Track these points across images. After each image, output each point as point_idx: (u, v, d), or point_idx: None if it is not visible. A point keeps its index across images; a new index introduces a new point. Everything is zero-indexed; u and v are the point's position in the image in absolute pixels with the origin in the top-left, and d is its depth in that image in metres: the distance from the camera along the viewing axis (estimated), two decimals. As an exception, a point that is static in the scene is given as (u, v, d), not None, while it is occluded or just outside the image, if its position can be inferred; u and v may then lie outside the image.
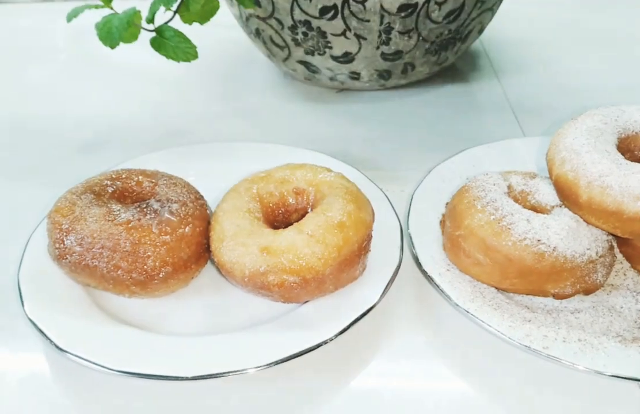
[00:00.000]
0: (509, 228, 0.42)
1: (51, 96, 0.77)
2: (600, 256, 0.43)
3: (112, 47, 0.54)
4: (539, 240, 0.42)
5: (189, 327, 0.44)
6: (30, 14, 1.00)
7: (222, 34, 0.82)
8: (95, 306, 0.44)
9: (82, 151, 0.65)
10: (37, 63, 0.85)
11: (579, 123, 0.46)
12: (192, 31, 0.57)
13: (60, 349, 0.40)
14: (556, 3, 0.98)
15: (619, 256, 0.48)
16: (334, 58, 0.67)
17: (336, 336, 0.41)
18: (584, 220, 0.43)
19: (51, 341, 0.41)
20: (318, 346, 0.40)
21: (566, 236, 0.42)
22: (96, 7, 0.57)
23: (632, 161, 0.44)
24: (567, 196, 0.43)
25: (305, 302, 0.44)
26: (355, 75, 0.70)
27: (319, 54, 0.67)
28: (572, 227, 0.43)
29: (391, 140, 0.66)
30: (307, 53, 0.68)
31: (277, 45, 0.69)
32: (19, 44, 0.90)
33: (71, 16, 0.57)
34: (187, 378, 0.39)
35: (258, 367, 0.39)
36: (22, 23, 0.97)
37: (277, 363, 0.40)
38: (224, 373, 0.39)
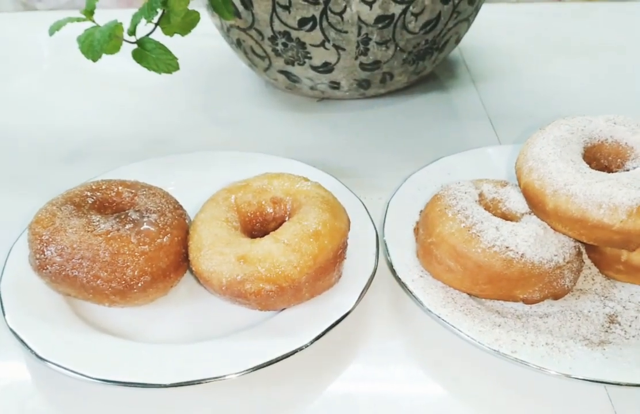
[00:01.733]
0: (479, 236, 0.44)
1: (33, 106, 0.77)
2: (567, 262, 0.45)
3: (94, 60, 0.55)
4: (507, 247, 0.43)
5: (169, 335, 0.45)
6: (12, 23, 1.01)
7: (204, 44, 0.83)
8: (75, 315, 0.45)
9: (63, 162, 0.66)
10: (19, 73, 0.85)
11: (546, 132, 0.47)
12: (174, 40, 0.58)
13: (41, 358, 0.41)
14: (533, 13, 1.00)
15: (588, 261, 0.49)
16: (314, 68, 0.69)
17: (312, 342, 0.42)
18: (551, 227, 0.45)
19: (32, 351, 0.41)
20: (295, 352, 0.41)
21: (534, 243, 0.44)
22: (78, 19, 0.58)
23: (597, 169, 0.45)
24: (535, 204, 0.45)
25: (282, 310, 0.45)
26: (335, 85, 0.71)
27: (299, 64, 0.68)
28: (539, 234, 0.44)
29: (370, 149, 0.67)
30: (287, 63, 0.69)
31: (257, 55, 0.70)
32: (2, 53, 0.91)
33: (54, 29, 0.58)
34: (166, 385, 0.40)
35: (236, 373, 0.40)
36: (4, 33, 0.97)
37: (255, 369, 0.41)
38: (203, 379, 0.40)
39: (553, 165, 0.44)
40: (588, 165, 0.45)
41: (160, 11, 0.58)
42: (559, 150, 0.45)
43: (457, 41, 0.73)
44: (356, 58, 0.67)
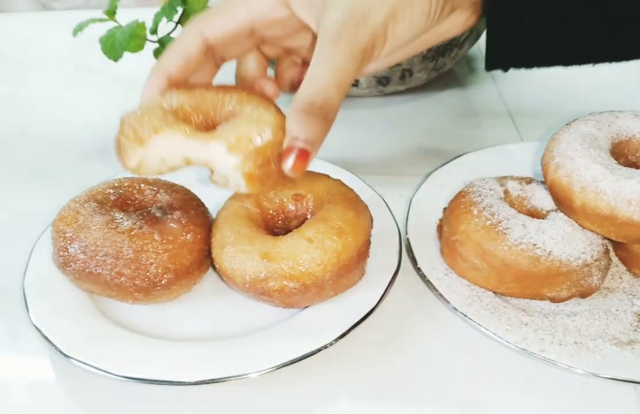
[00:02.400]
0: (505, 233, 0.43)
1: (52, 105, 0.78)
2: (595, 260, 0.44)
3: (115, 60, 0.55)
4: (534, 245, 0.43)
5: (192, 333, 0.45)
6: (30, 23, 1.01)
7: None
8: (99, 312, 0.45)
9: (85, 160, 0.66)
10: (40, 72, 0.86)
11: (573, 128, 0.47)
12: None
13: (65, 355, 0.41)
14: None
15: (615, 259, 0.49)
16: (333, 65, 0.68)
17: (336, 340, 0.42)
18: (579, 225, 0.44)
19: (56, 347, 0.41)
20: (318, 350, 0.41)
21: (561, 241, 0.43)
22: (101, 20, 0.58)
23: (625, 166, 0.44)
24: (562, 201, 0.44)
25: (305, 307, 0.45)
26: (354, 82, 0.71)
27: (318, 61, 0.68)
28: (567, 231, 0.43)
29: (389, 146, 0.67)
30: (306, 60, 0.69)
31: (276, 52, 0.70)
32: (22, 53, 0.91)
33: (77, 30, 0.58)
34: (189, 383, 0.40)
35: (260, 371, 0.40)
36: (22, 32, 0.98)
37: (278, 367, 0.40)
38: (226, 377, 0.40)
39: (581, 161, 0.43)
40: (616, 162, 0.44)
41: (180, 10, 0.58)
42: (587, 146, 0.44)
43: (477, 37, 0.73)
44: (376, 55, 0.66)
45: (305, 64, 0.47)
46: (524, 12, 0.43)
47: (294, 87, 0.50)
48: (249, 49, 0.48)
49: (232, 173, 0.40)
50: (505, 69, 0.47)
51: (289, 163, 0.39)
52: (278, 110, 0.44)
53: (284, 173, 0.42)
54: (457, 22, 0.45)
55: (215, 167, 0.41)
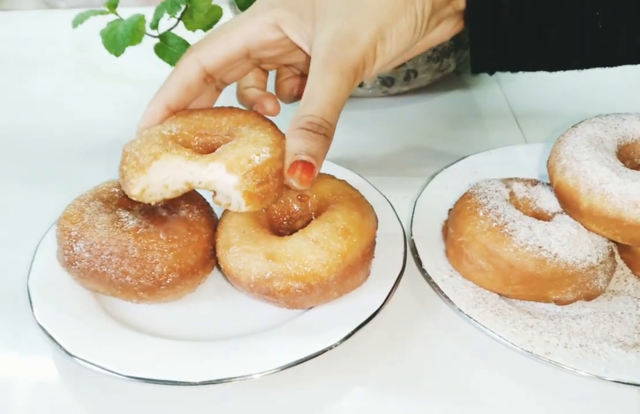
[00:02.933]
0: (511, 235, 0.43)
1: (55, 104, 0.78)
2: (601, 263, 0.44)
3: (117, 55, 0.55)
4: (540, 247, 0.42)
5: (196, 332, 0.45)
6: (34, 21, 1.01)
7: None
8: (103, 311, 0.45)
9: (89, 158, 0.66)
10: (42, 70, 0.86)
11: (579, 130, 0.47)
12: (195, 37, 0.58)
13: (70, 354, 0.41)
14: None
15: (620, 262, 0.49)
16: (337, 65, 0.68)
17: (341, 341, 0.42)
18: (585, 227, 0.44)
19: (60, 347, 0.41)
20: (323, 351, 0.41)
21: (567, 243, 0.43)
22: (102, 13, 0.58)
23: (632, 169, 0.44)
24: (568, 203, 0.44)
25: (310, 308, 0.45)
26: (358, 82, 0.71)
27: (323, 62, 0.68)
28: (573, 234, 0.43)
29: (394, 147, 0.67)
30: (310, 60, 0.69)
31: (281, 52, 0.70)
32: (26, 51, 0.91)
33: (77, 22, 0.58)
34: (194, 384, 0.40)
35: (264, 372, 0.40)
36: (26, 31, 0.98)
37: (283, 368, 0.40)
38: (231, 378, 0.40)
39: (587, 163, 0.43)
40: (622, 164, 0.44)
41: (183, 6, 0.58)
42: (593, 149, 0.44)
43: (482, 38, 0.72)
44: (380, 55, 0.66)
45: (304, 75, 0.48)
46: (503, 18, 0.45)
47: (295, 97, 0.51)
48: (248, 70, 0.50)
49: (232, 192, 0.42)
50: (491, 72, 0.49)
51: (295, 176, 0.41)
52: (275, 128, 0.46)
53: (282, 190, 0.44)
54: (445, 30, 0.47)
55: (216, 188, 0.43)
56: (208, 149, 0.46)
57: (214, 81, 0.48)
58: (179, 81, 0.46)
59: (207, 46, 0.46)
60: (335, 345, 0.41)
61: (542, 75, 0.74)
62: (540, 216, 0.47)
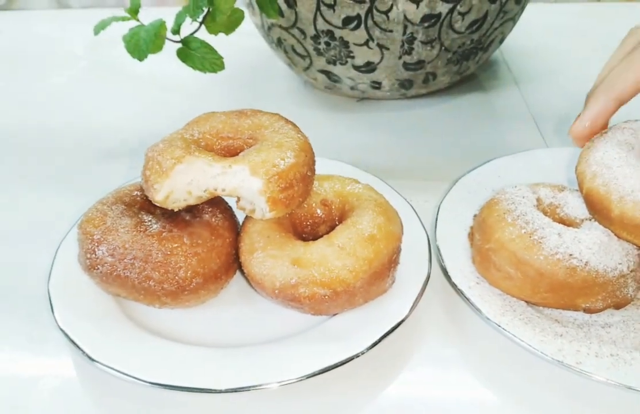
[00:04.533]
0: (541, 242, 0.42)
1: (70, 104, 0.77)
2: (631, 271, 0.43)
3: (141, 59, 0.54)
4: (570, 255, 0.42)
5: (219, 338, 0.44)
6: (47, 21, 1.01)
7: (242, 43, 0.82)
8: (124, 316, 0.45)
9: (105, 160, 0.66)
10: (57, 70, 0.85)
11: (608, 136, 0.46)
12: (217, 40, 0.57)
13: (91, 358, 0.40)
14: (574, 12, 0.98)
15: (648, 270, 0.48)
16: (356, 67, 0.67)
17: (368, 349, 0.41)
18: (616, 235, 0.43)
19: (82, 351, 0.41)
20: (350, 359, 0.40)
21: (598, 251, 0.42)
22: (123, 19, 0.57)
23: None
24: (599, 210, 0.43)
25: (335, 315, 0.44)
26: (376, 85, 0.70)
27: (341, 64, 0.67)
28: (603, 241, 0.42)
29: (412, 150, 0.66)
30: (328, 62, 0.68)
31: (298, 54, 0.69)
32: (38, 51, 0.91)
33: (99, 28, 0.57)
34: (219, 391, 0.39)
35: (289, 381, 0.39)
36: (39, 30, 0.98)
37: (308, 376, 0.40)
38: (255, 386, 0.39)
39: (619, 170, 0.42)
40: None
41: (205, 10, 0.57)
42: (624, 155, 0.43)
43: (502, 40, 0.72)
44: (400, 57, 0.66)
45: None
46: None
47: None
48: None
49: (256, 197, 0.42)
50: None
51: None
52: (299, 132, 0.45)
53: (306, 195, 0.44)
54: None
55: (240, 193, 0.43)
56: (231, 153, 0.46)
57: None
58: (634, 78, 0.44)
59: None
60: (362, 353, 0.41)
61: (560, 78, 0.73)
62: (568, 223, 0.46)
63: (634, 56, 0.45)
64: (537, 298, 0.43)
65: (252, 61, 0.85)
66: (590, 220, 0.45)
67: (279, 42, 0.70)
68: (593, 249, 0.42)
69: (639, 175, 0.42)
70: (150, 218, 0.44)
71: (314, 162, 0.45)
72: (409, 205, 0.52)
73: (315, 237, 0.44)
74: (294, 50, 0.69)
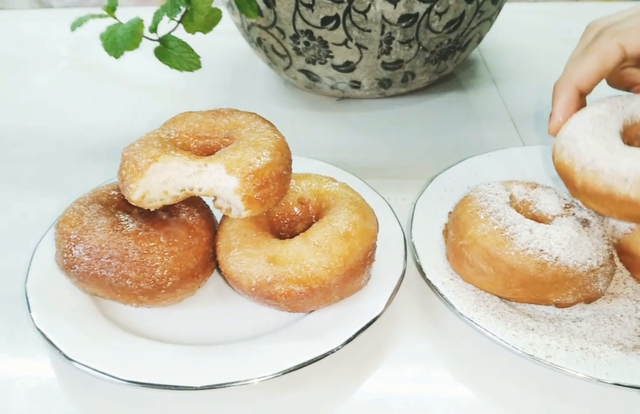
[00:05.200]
0: (512, 238, 0.43)
1: (51, 105, 0.77)
2: (601, 266, 0.44)
3: (117, 57, 0.54)
4: (541, 250, 0.43)
5: (196, 336, 0.44)
6: (28, 21, 1.00)
7: (222, 42, 0.82)
8: (102, 315, 0.45)
9: (86, 160, 0.66)
10: (36, 71, 0.85)
11: (585, 111, 0.47)
12: (195, 40, 0.58)
13: (68, 358, 0.41)
14: (551, 11, 0.99)
15: (619, 265, 0.49)
16: (335, 67, 0.68)
17: (343, 345, 0.41)
18: (584, 206, 0.44)
19: (59, 350, 0.41)
20: (325, 355, 0.41)
21: (568, 246, 0.43)
22: (100, 16, 0.57)
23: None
24: (567, 182, 0.45)
25: (311, 312, 0.45)
26: (355, 84, 0.71)
27: (320, 63, 0.68)
28: (573, 237, 0.43)
29: (391, 148, 0.67)
30: (308, 62, 0.69)
31: (278, 54, 0.70)
32: (20, 51, 0.90)
33: (75, 25, 0.57)
34: (195, 388, 0.39)
35: (265, 377, 0.40)
36: (20, 30, 0.97)
37: (284, 372, 0.40)
38: (231, 382, 0.40)
39: (582, 142, 0.43)
40: (625, 143, 0.44)
41: (183, 9, 0.58)
42: (592, 128, 0.44)
43: (479, 40, 0.73)
44: (378, 57, 0.66)
45: None
46: None
47: None
48: None
49: (232, 196, 0.42)
50: None
51: None
52: (275, 131, 0.45)
53: (283, 194, 0.44)
54: None
55: (216, 192, 0.43)
56: (208, 152, 0.46)
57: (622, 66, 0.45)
58: (597, 62, 0.44)
59: (634, 32, 0.44)
60: (337, 349, 0.41)
61: (538, 77, 0.74)
62: (540, 219, 0.47)
63: (590, 47, 0.46)
64: (509, 293, 0.44)
65: (233, 60, 0.85)
66: (561, 216, 0.46)
67: (259, 42, 0.70)
68: (563, 244, 0.43)
69: (601, 146, 0.43)
70: (127, 218, 0.44)
71: (290, 161, 0.46)
72: (386, 203, 0.53)
73: (293, 235, 0.45)
74: (274, 50, 0.69)
